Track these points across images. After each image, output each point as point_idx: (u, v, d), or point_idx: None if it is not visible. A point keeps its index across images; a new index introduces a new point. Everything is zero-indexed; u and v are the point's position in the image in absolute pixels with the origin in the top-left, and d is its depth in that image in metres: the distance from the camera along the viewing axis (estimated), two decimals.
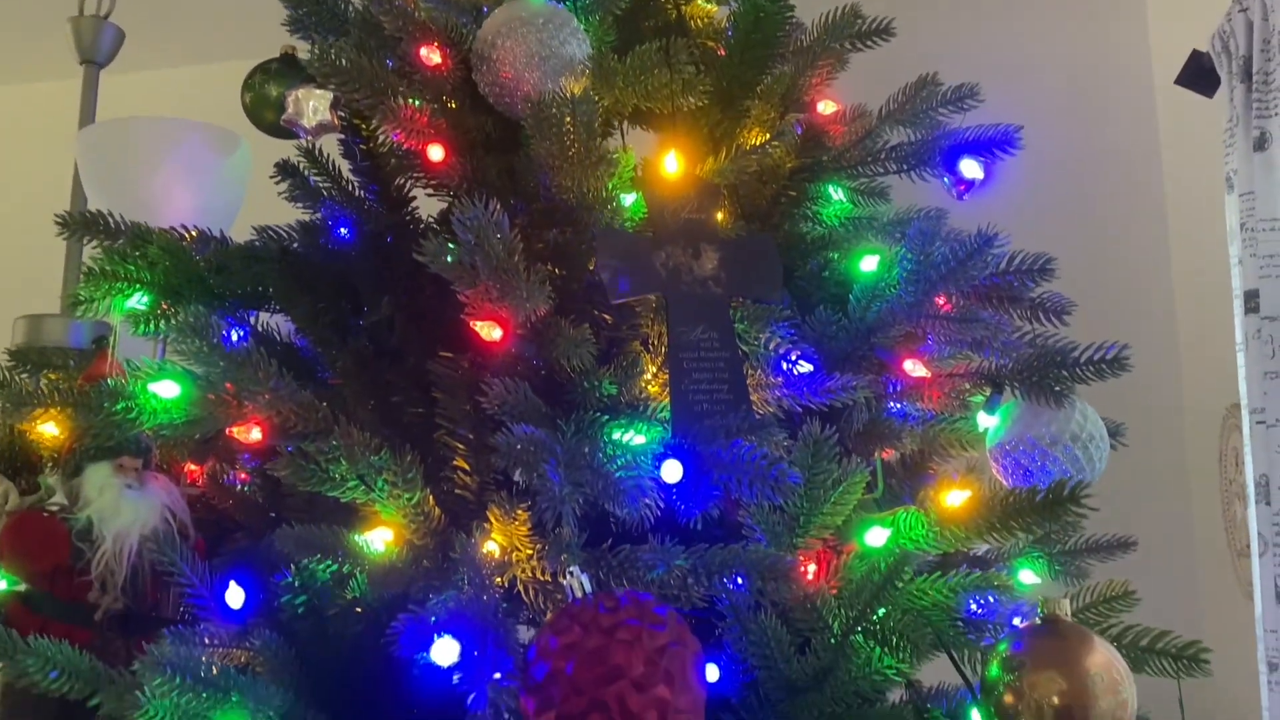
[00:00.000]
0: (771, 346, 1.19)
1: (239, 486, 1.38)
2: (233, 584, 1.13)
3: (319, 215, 1.39)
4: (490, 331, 1.08)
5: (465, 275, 1.05)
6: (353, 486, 1.09)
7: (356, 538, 1.08)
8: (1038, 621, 1.01)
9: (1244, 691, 2.23)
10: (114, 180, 1.78)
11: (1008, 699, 0.97)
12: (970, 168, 1.36)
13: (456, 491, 1.15)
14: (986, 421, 1.26)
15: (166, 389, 1.13)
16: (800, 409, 1.18)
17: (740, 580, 1.03)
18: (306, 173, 1.38)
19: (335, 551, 1.07)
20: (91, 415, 1.14)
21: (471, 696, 0.91)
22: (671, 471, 1.03)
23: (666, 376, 1.14)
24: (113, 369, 1.28)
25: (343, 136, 1.33)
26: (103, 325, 1.63)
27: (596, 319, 1.17)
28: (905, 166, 1.41)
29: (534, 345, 1.11)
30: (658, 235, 1.17)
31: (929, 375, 1.27)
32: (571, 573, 0.93)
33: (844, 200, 1.42)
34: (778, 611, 1.06)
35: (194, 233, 1.36)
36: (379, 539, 1.09)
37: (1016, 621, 1.10)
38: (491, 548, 1.05)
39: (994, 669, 0.99)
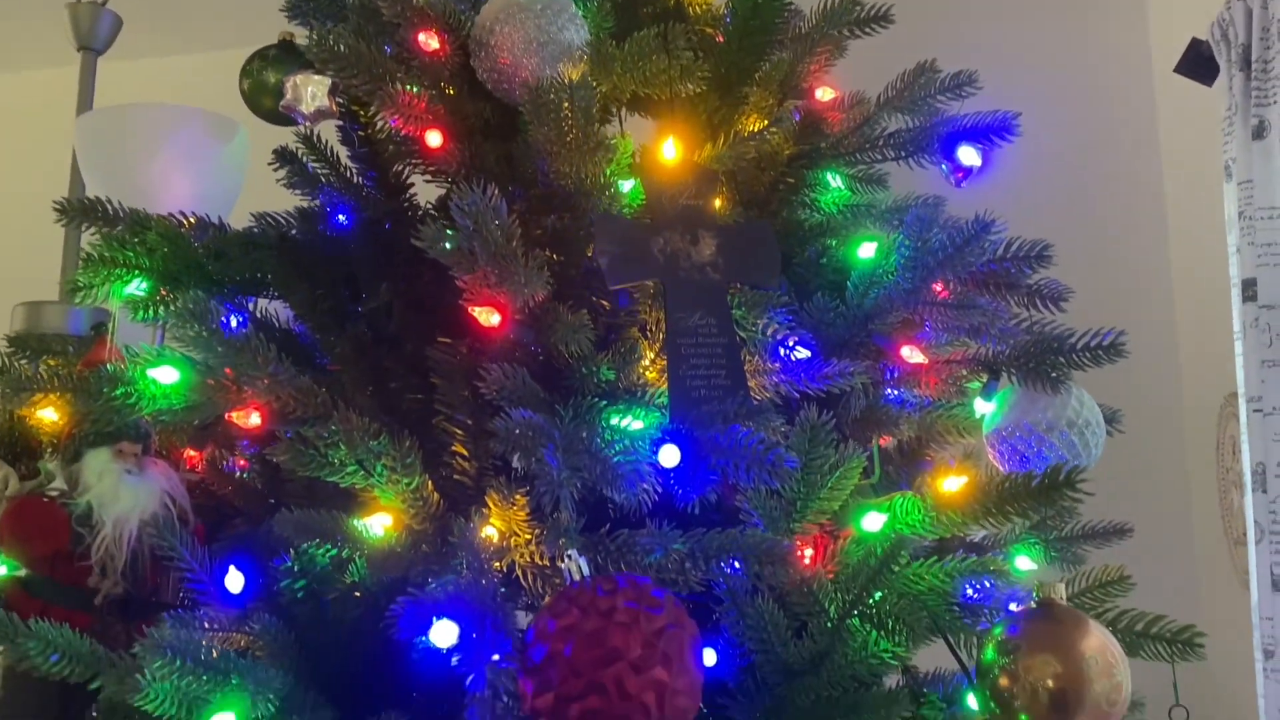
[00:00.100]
0: (769, 332, 1.19)
1: (238, 473, 1.39)
2: (232, 569, 1.14)
3: (317, 202, 1.39)
4: (488, 317, 1.09)
5: (463, 261, 1.05)
6: (351, 471, 1.09)
7: (356, 522, 1.09)
8: (1033, 605, 1.01)
9: (1240, 679, 2.24)
10: (112, 167, 1.78)
11: (1003, 682, 0.98)
12: (968, 155, 1.36)
13: (455, 477, 1.15)
14: (983, 408, 1.27)
15: (166, 374, 1.13)
16: (798, 395, 1.19)
17: (737, 565, 1.03)
18: (305, 159, 1.38)
19: (334, 536, 1.07)
20: (91, 401, 1.14)
21: (470, 678, 0.91)
22: (669, 456, 1.03)
23: (664, 362, 1.14)
24: (112, 355, 1.28)
25: (341, 123, 1.33)
26: (101, 312, 1.63)
27: (594, 305, 1.17)
28: (903, 153, 1.41)
29: (532, 331, 1.12)
30: (656, 221, 1.17)
31: (926, 362, 1.28)
32: (570, 556, 0.93)
33: (842, 187, 1.42)
34: (775, 596, 1.07)
35: (192, 219, 1.36)
36: (378, 524, 1.10)
37: (1013, 606, 1.11)
38: (490, 532, 1.05)
39: (989, 652, 1.00)
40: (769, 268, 1.22)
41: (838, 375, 1.18)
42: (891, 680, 1.17)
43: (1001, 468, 1.23)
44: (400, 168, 1.33)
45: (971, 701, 1.13)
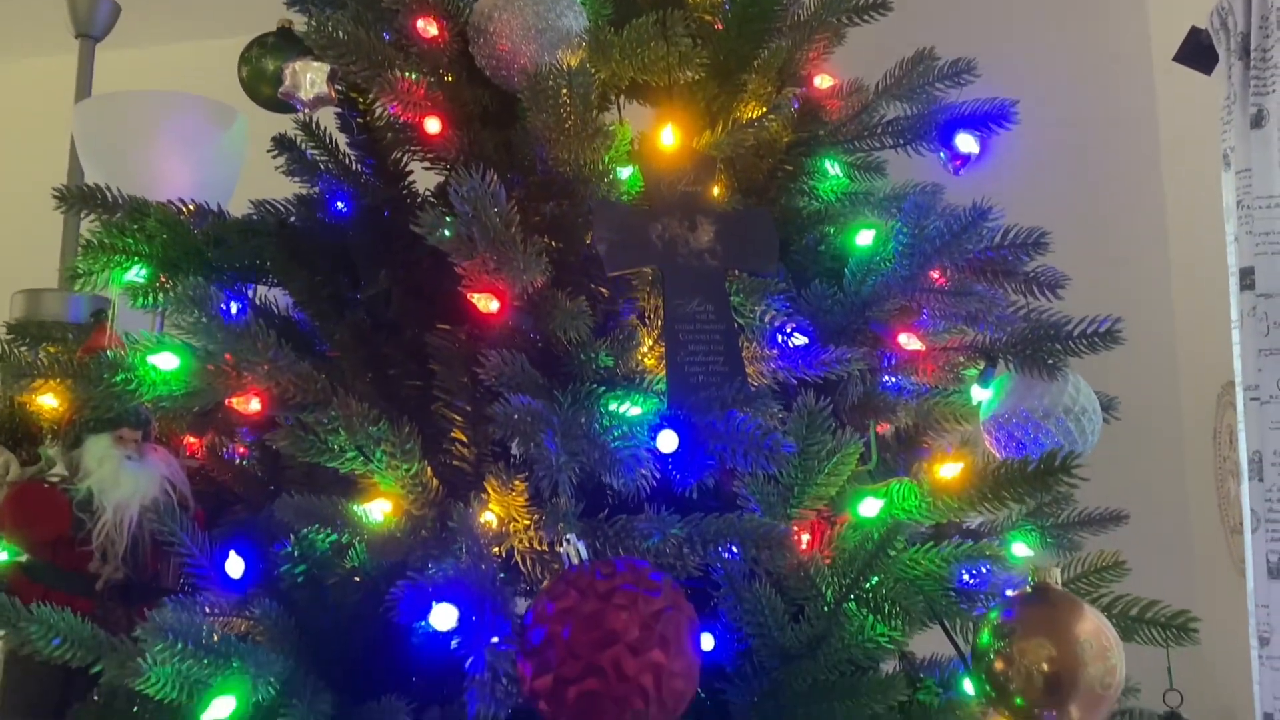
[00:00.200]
0: (767, 319, 1.20)
1: (237, 460, 1.39)
2: (232, 554, 1.14)
3: (316, 189, 1.39)
4: (487, 304, 1.09)
5: (462, 247, 1.05)
6: (351, 457, 1.10)
7: (355, 508, 1.09)
8: (1028, 590, 1.02)
9: (1235, 666, 2.25)
10: (111, 154, 1.78)
11: (998, 666, 0.99)
12: (966, 142, 1.36)
13: (454, 463, 1.16)
14: (980, 394, 1.27)
15: (165, 361, 1.13)
16: (795, 381, 1.19)
17: (735, 549, 1.04)
18: (303, 146, 1.39)
19: (335, 521, 1.08)
20: (91, 387, 1.15)
21: (470, 660, 0.92)
22: (667, 442, 1.04)
23: (663, 349, 1.15)
24: (112, 341, 1.29)
25: (340, 110, 1.33)
26: (100, 299, 1.64)
27: (593, 292, 1.18)
28: (902, 141, 1.41)
29: (531, 317, 1.12)
30: (654, 208, 1.18)
31: (923, 349, 1.28)
32: (568, 540, 0.94)
33: (840, 175, 1.43)
34: (772, 580, 1.07)
35: (191, 206, 1.37)
36: (378, 510, 1.10)
37: (1008, 592, 1.11)
38: (489, 518, 1.06)
39: (985, 636, 1.01)
40: (767, 254, 1.22)
41: (835, 362, 1.18)
42: (888, 665, 1.18)
43: (998, 454, 1.23)
44: (399, 155, 1.34)
45: (967, 686, 1.14)
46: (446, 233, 1.05)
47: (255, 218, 1.37)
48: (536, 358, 1.11)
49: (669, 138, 1.21)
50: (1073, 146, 2.76)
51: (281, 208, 1.38)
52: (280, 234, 1.34)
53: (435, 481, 1.11)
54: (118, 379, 1.13)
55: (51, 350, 1.38)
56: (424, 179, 1.36)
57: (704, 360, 1.13)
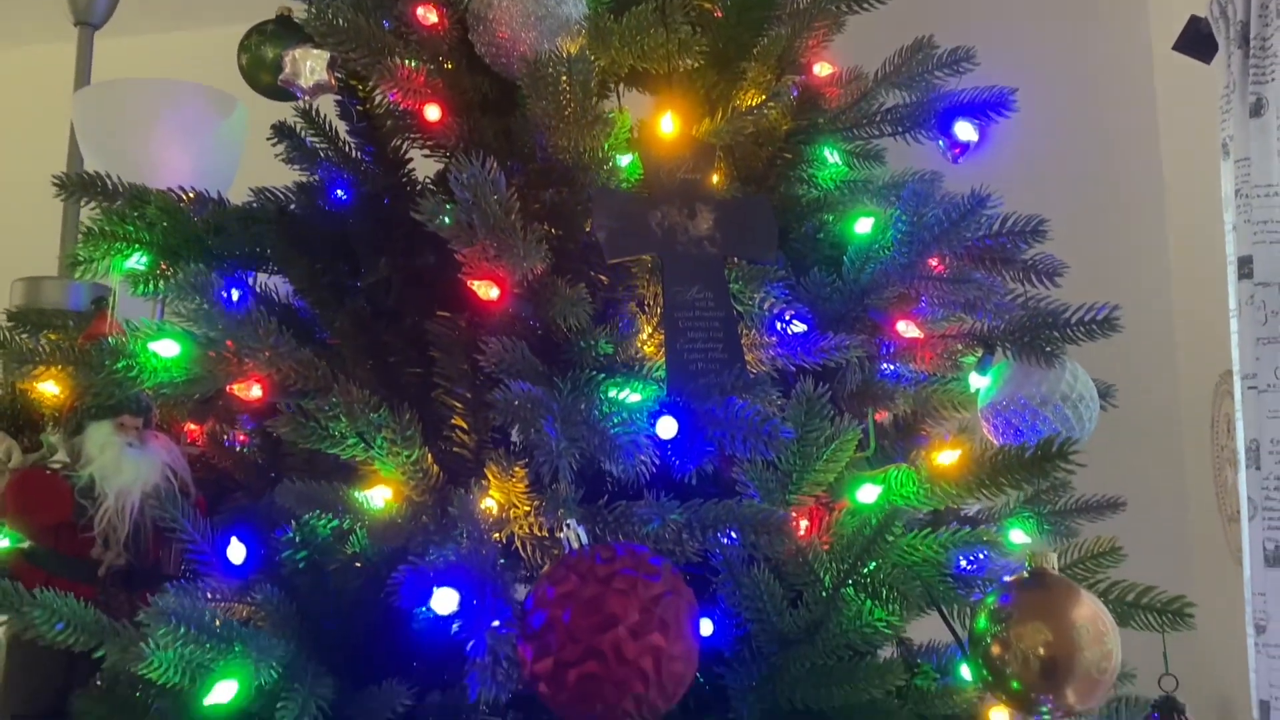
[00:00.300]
0: (766, 307, 1.20)
1: (238, 447, 1.39)
2: (234, 540, 1.15)
3: (316, 177, 1.40)
4: (487, 291, 1.09)
5: (462, 234, 1.06)
6: (352, 444, 1.10)
7: (356, 494, 1.10)
8: (1025, 575, 1.02)
9: (1232, 656, 2.26)
10: (111, 142, 1.78)
11: (995, 650, 0.99)
12: (965, 130, 1.36)
13: (454, 450, 1.17)
14: (978, 382, 1.28)
15: (166, 348, 1.14)
16: (794, 369, 1.20)
17: (734, 535, 1.04)
18: (303, 134, 1.39)
19: (336, 507, 1.08)
20: (92, 374, 1.15)
21: (471, 644, 0.93)
22: (667, 428, 1.04)
23: (662, 337, 1.15)
24: (112, 329, 1.29)
25: (339, 97, 1.33)
26: (100, 287, 1.64)
27: (593, 279, 1.18)
28: (901, 129, 1.41)
29: (530, 305, 1.13)
30: (653, 195, 1.18)
31: (922, 336, 1.28)
32: (568, 526, 0.95)
33: (839, 163, 1.43)
34: (770, 566, 1.08)
35: (191, 194, 1.37)
36: (379, 496, 1.11)
37: (1006, 577, 1.12)
38: (489, 504, 1.06)
39: (981, 621, 1.01)
40: (766, 242, 1.22)
41: (834, 349, 1.19)
42: (886, 651, 1.19)
43: (996, 441, 1.24)
44: (399, 142, 1.34)
45: (965, 672, 1.15)
46: (447, 220, 1.05)
47: (255, 205, 1.38)
48: (536, 345, 1.11)
49: (668, 125, 1.21)
50: (1072, 135, 2.76)
51: (281, 195, 1.39)
52: (280, 221, 1.34)
53: (436, 468, 1.11)
54: (119, 366, 1.13)
55: (52, 337, 1.38)
56: (423, 167, 1.36)
57: (703, 347, 1.13)
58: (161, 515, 1.16)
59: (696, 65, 1.27)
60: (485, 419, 1.15)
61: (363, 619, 1.12)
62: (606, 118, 1.16)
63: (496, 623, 0.93)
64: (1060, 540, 1.43)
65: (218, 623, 1.00)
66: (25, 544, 1.22)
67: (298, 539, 1.12)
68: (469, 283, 1.09)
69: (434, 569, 0.95)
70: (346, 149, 1.37)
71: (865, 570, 1.09)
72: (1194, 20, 2.28)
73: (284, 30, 1.66)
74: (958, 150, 1.38)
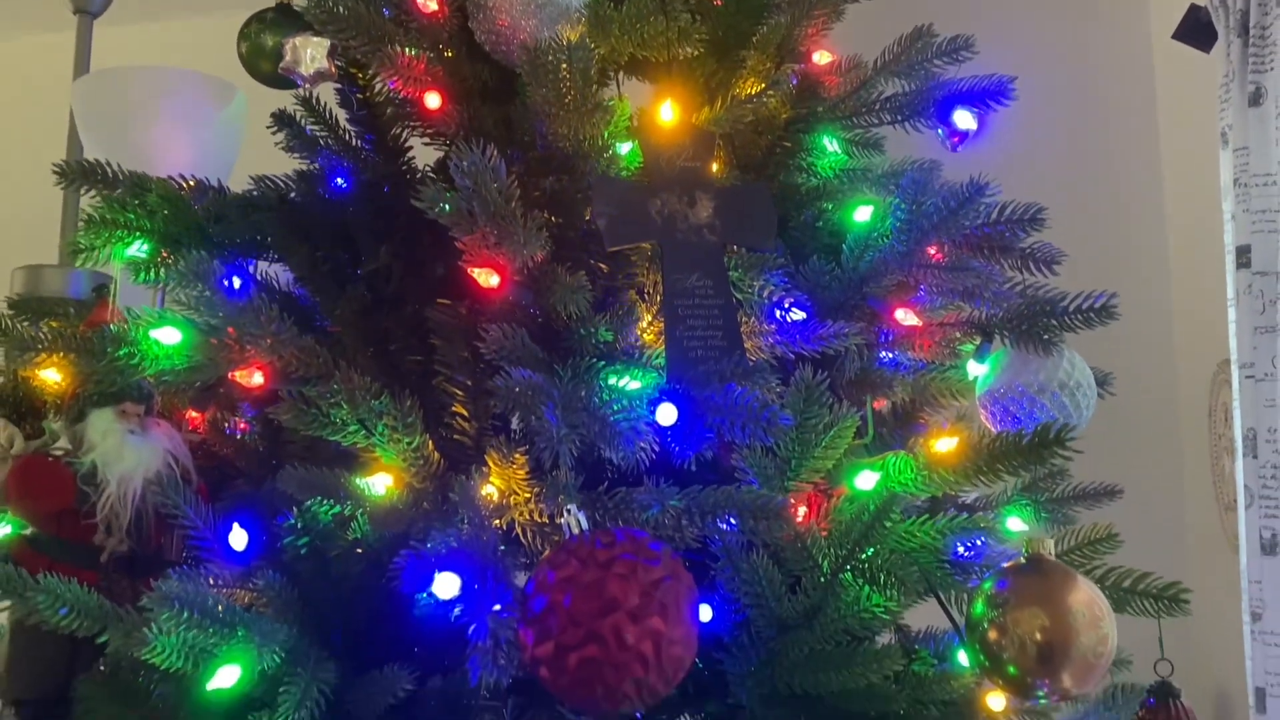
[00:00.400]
0: (765, 294, 1.20)
1: (239, 435, 1.40)
2: (236, 526, 1.15)
3: (316, 165, 1.40)
4: (488, 278, 1.10)
5: (463, 222, 1.06)
6: (353, 431, 1.11)
7: (358, 480, 1.10)
8: (1022, 561, 1.03)
9: (1228, 644, 2.28)
10: (110, 130, 1.78)
11: (992, 635, 1.00)
12: (964, 119, 1.37)
13: (455, 437, 1.17)
14: (976, 370, 1.28)
15: (168, 335, 1.14)
16: (793, 356, 1.20)
17: (733, 521, 1.05)
18: (303, 122, 1.39)
19: (337, 493, 1.09)
20: (94, 361, 1.15)
21: (472, 628, 0.93)
22: (666, 414, 1.05)
23: (662, 325, 1.15)
24: (114, 316, 1.29)
25: (339, 85, 1.33)
26: (101, 275, 1.64)
27: (592, 267, 1.18)
28: (900, 117, 1.41)
29: (531, 292, 1.13)
30: (653, 183, 1.18)
31: (920, 324, 1.29)
32: (569, 511, 0.95)
33: (839, 152, 1.43)
34: (769, 552, 1.09)
35: (192, 182, 1.37)
36: (380, 483, 1.11)
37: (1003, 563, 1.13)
38: (490, 491, 1.07)
39: (978, 606, 1.02)
40: (765, 230, 1.23)
41: (833, 337, 1.19)
42: (884, 638, 1.19)
43: (994, 429, 1.24)
44: (399, 130, 1.34)
45: (962, 658, 1.16)
46: (447, 207, 1.06)
47: (256, 194, 1.38)
48: (536, 333, 1.12)
49: (668, 113, 1.21)
50: (1071, 124, 2.77)
51: (282, 183, 1.39)
52: (281, 210, 1.34)
53: (437, 455, 1.12)
54: (120, 353, 1.14)
55: (54, 325, 1.38)
56: (423, 155, 1.37)
57: (703, 335, 1.14)
58: (163, 502, 1.16)
59: (696, 53, 1.27)
60: (486, 406, 1.15)
61: (364, 605, 1.13)
62: (606, 105, 1.16)
63: (498, 607, 0.93)
64: (1057, 528, 1.44)
65: (220, 608, 1.00)
66: (28, 530, 1.23)
67: (299, 525, 1.13)
68: (469, 270, 1.09)
69: (435, 554, 0.96)
70: (346, 137, 1.37)
71: (863, 556, 1.10)
72: (1193, 9, 2.28)
73: (284, 18, 1.66)
74: (957, 139, 1.38)
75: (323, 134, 1.38)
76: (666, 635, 0.87)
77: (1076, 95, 2.78)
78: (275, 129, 1.39)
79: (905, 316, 1.28)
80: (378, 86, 1.31)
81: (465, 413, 1.16)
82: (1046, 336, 1.21)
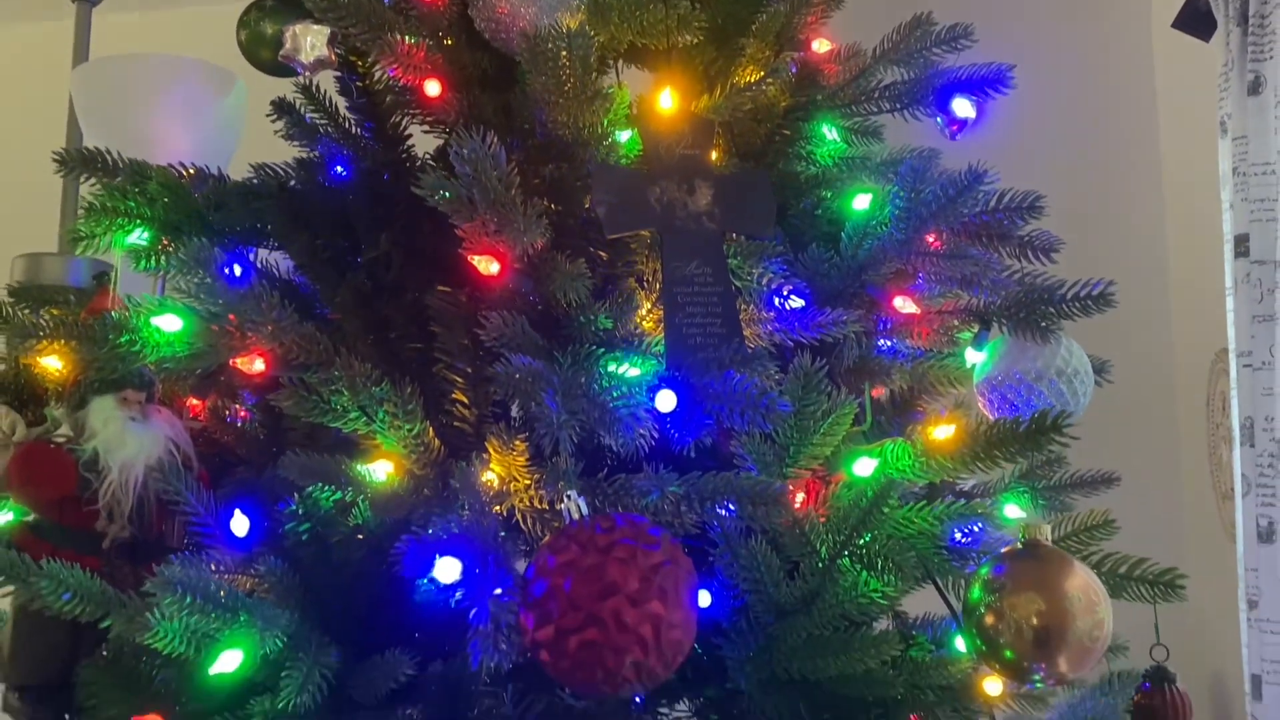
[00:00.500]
0: (764, 282, 1.21)
1: (239, 423, 1.40)
2: (237, 512, 1.16)
3: (316, 153, 1.40)
4: (488, 266, 1.10)
5: (463, 209, 1.06)
6: (354, 418, 1.11)
7: (359, 467, 1.11)
8: (1019, 546, 1.04)
9: (1225, 633, 2.29)
10: (110, 119, 1.78)
11: (989, 620, 1.01)
12: (963, 107, 1.37)
13: (455, 424, 1.18)
14: (974, 357, 1.29)
15: (169, 322, 1.14)
16: (792, 344, 1.21)
17: (732, 507, 1.06)
18: (303, 110, 1.39)
19: (338, 479, 1.09)
20: (96, 348, 1.16)
21: (473, 612, 0.94)
22: (666, 401, 1.05)
23: (661, 312, 1.16)
24: (114, 304, 1.29)
25: (339, 73, 1.33)
26: (101, 263, 1.64)
27: (592, 255, 1.19)
28: (899, 105, 1.42)
29: (530, 280, 1.13)
30: (652, 171, 1.18)
31: (918, 312, 1.29)
32: (569, 496, 0.96)
33: (838, 140, 1.43)
34: (768, 537, 1.09)
35: (192, 170, 1.37)
36: (381, 470, 1.12)
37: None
38: (490, 477, 1.07)
39: (975, 591, 1.03)
40: (764, 217, 1.23)
41: (831, 324, 1.20)
42: (881, 624, 1.20)
43: (991, 416, 1.25)
44: (398, 118, 1.34)
45: (960, 644, 1.16)
46: (447, 194, 1.06)
47: (256, 182, 1.38)
48: (536, 320, 1.12)
49: (667, 101, 1.21)
50: (1070, 112, 2.77)
51: (282, 171, 1.39)
52: (281, 197, 1.35)
53: (437, 442, 1.12)
54: (122, 340, 1.14)
55: (55, 313, 1.39)
56: (422, 143, 1.37)
57: (702, 322, 1.14)
58: (165, 488, 1.17)
59: (695, 41, 1.28)
60: (486, 393, 1.16)
61: (365, 590, 1.13)
62: (606, 93, 1.17)
63: (498, 591, 0.94)
64: (1055, 515, 1.45)
65: (222, 593, 1.01)
66: (30, 517, 1.23)
67: (301, 511, 1.13)
68: (469, 258, 1.10)
69: (436, 539, 0.97)
70: (346, 125, 1.37)
71: (861, 542, 1.10)
72: None
73: (283, 6, 1.66)
74: (955, 127, 1.39)
75: (322, 122, 1.38)
76: (666, 619, 0.88)
77: (1075, 84, 2.78)
78: (275, 117, 1.40)
79: (904, 304, 1.29)
80: (377, 74, 1.32)
81: (465, 400, 1.17)
82: (1044, 324, 1.22)
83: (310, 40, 1.24)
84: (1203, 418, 2.56)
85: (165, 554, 1.08)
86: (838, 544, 1.10)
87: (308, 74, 1.29)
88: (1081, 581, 1.00)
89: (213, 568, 1.10)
